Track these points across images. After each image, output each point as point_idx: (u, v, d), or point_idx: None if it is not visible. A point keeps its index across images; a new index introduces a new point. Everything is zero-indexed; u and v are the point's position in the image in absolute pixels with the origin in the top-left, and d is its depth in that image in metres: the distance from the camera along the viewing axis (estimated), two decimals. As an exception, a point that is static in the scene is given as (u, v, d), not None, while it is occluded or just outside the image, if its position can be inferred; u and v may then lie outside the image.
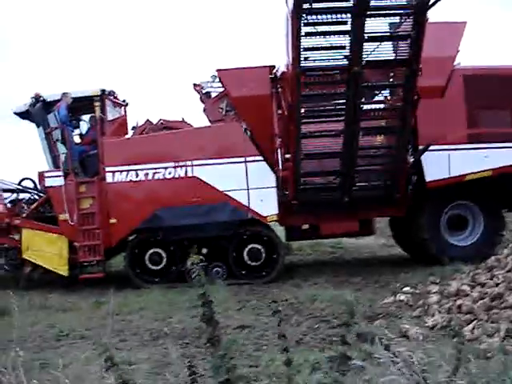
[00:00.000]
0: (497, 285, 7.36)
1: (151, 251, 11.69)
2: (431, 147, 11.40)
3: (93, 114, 12.54)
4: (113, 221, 11.57)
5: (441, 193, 11.77)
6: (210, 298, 3.48)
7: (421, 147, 11.42)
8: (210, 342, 3.18)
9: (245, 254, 11.63)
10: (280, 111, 11.36)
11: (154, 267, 11.70)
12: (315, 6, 9.14)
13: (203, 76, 13.10)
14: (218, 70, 12.01)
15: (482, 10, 49.22)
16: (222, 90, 12.52)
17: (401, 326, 7.28)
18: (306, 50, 9.63)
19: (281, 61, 11.39)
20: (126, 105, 13.20)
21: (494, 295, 7.09)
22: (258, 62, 12.12)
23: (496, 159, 11.61)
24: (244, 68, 11.76)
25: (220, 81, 12.16)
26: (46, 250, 11.81)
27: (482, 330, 6.55)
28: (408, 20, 9.56)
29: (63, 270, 11.67)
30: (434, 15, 9.58)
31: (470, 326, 6.77)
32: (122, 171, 11.62)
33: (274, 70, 11.70)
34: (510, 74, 11.97)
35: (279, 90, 11.43)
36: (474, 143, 11.69)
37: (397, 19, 9.93)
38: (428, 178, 11.57)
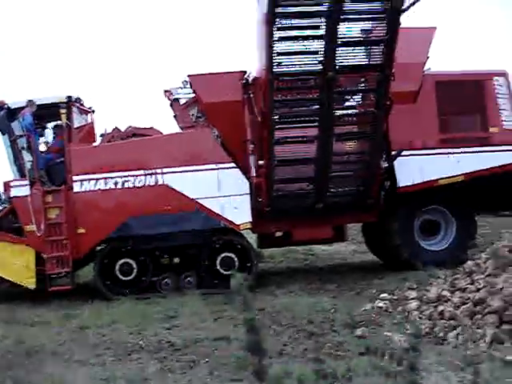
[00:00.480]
0: (478, 290, 7.30)
1: (121, 261, 11.35)
2: (403, 152, 11.41)
3: (57, 122, 12.20)
4: (81, 231, 11.23)
5: (413, 198, 11.75)
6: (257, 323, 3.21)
7: (393, 152, 11.39)
8: (257, 375, 2.91)
9: (217, 262, 11.39)
10: (252, 117, 11.20)
11: (124, 278, 11.36)
12: (288, 10, 9.03)
13: (173, 82, 12.85)
14: (189, 76, 11.80)
15: (481, 10, 49.85)
16: (192, 95, 12.30)
17: (384, 334, 7.19)
18: (279, 54, 9.52)
19: (253, 66, 11.28)
20: (93, 112, 12.87)
21: (476, 300, 7.03)
22: (230, 67, 11.89)
23: (468, 164, 11.65)
24: (215, 73, 11.59)
25: (191, 86, 11.94)
26: (11, 262, 11.38)
27: (467, 336, 6.49)
28: (381, 25, 9.52)
29: (30, 283, 11.24)
30: (407, 20, 9.57)
31: (455, 332, 6.70)
32: (90, 180, 11.30)
33: (246, 76, 11.55)
34: (481, 78, 12.05)
35: (251, 95, 11.27)
36: (445, 148, 11.71)
37: (370, 24, 9.89)
38: (400, 184, 11.54)
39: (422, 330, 7.13)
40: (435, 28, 11.77)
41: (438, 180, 11.61)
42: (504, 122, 11.93)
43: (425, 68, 11.78)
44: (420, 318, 7.60)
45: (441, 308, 7.41)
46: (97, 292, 11.43)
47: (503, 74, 12.02)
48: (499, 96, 11.90)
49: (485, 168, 11.72)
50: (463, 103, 11.82)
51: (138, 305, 10.28)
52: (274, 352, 6.84)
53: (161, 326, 8.67)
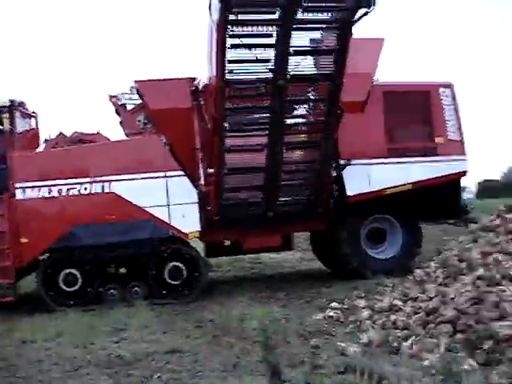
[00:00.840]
0: (430, 299, 7.34)
1: (66, 271, 11.01)
2: (352, 161, 11.50)
3: None
4: (24, 240, 10.82)
5: (361, 206, 11.85)
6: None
7: (342, 162, 11.46)
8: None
9: (165, 272, 11.18)
10: (202, 124, 11.07)
11: (68, 289, 11.02)
12: (241, 17, 8.96)
13: (120, 87, 12.61)
14: (137, 81, 11.58)
15: (467, 6, 50.95)
16: (139, 101, 12.07)
17: (338, 344, 7.15)
18: (230, 62, 9.43)
19: (202, 73, 11.16)
20: (36, 116, 12.48)
21: (428, 310, 7.05)
22: (178, 74, 11.72)
23: (415, 173, 11.85)
24: (163, 80, 11.41)
25: (138, 92, 11.71)
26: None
27: (422, 346, 6.49)
28: (333, 35, 9.55)
29: (-31, 294, 10.80)
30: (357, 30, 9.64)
31: (409, 341, 6.70)
32: (33, 187, 10.92)
33: (195, 82, 11.42)
34: (427, 89, 12.26)
35: (201, 102, 11.14)
36: (393, 157, 11.85)
37: (319, 34, 9.90)
38: (349, 192, 11.61)
39: (376, 340, 7.14)
40: (383, 39, 11.93)
41: (386, 189, 11.73)
42: (449, 133, 12.17)
43: (373, 78, 11.91)
44: (372, 327, 7.59)
45: (393, 317, 7.41)
46: (40, 303, 11.05)
47: (449, 86, 12.28)
48: (445, 107, 12.14)
49: (431, 177, 11.94)
50: (410, 114, 12.01)
51: (84, 317, 9.95)
52: (229, 365, 6.69)
53: (109, 339, 8.37)
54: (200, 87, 11.31)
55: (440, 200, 12.47)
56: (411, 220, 12.39)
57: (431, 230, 15.86)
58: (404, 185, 11.83)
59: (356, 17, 9.25)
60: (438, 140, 12.15)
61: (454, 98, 12.24)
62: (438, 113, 12.16)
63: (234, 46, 9.27)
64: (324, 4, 9.31)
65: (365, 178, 11.66)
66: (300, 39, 9.49)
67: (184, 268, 11.24)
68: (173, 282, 11.20)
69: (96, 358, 7.37)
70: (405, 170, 11.80)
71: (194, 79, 11.49)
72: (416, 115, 12.12)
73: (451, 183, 12.37)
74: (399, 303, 7.81)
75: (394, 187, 11.79)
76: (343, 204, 11.71)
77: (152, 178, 11.13)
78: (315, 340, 7.44)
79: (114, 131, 12.70)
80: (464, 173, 12.39)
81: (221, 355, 7.19)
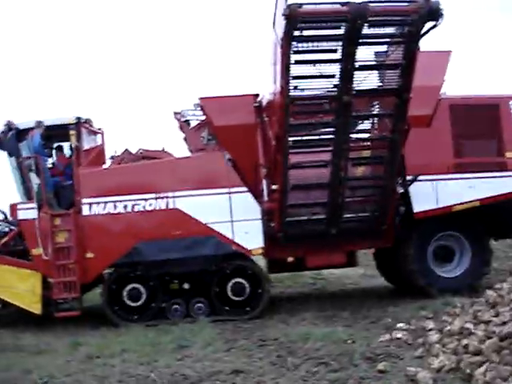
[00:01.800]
0: (503, 323, 7.03)
1: (130, 287, 11.11)
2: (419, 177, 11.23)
3: (59, 144, 12.04)
4: (89, 255, 11.00)
5: (428, 223, 11.55)
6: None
7: (408, 177, 11.20)
8: None
9: (228, 288, 11.15)
10: (266, 141, 11.03)
11: (132, 304, 11.11)
12: (306, 33, 8.86)
13: (184, 104, 12.70)
14: (201, 98, 11.64)
15: (481, 15, 49.89)
16: (202, 118, 12.13)
17: (407, 369, 6.92)
18: (295, 78, 9.33)
19: (265, 89, 11.10)
20: (103, 133, 12.70)
21: (502, 335, 6.74)
22: (242, 90, 11.71)
23: (483, 189, 11.46)
24: (227, 96, 11.42)
25: (202, 109, 11.78)
26: (17, 286, 11.13)
27: (496, 373, 6.20)
28: (399, 49, 9.36)
29: (36, 308, 11.00)
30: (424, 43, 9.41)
31: (482, 368, 6.41)
32: (99, 203, 11.10)
33: (259, 99, 11.39)
34: (494, 102, 11.89)
35: (265, 119, 11.10)
36: (460, 173, 11.52)
37: (385, 48, 9.72)
38: (416, 209, 11.34)
39: (447, 365, 6.88)
40: (451, 51, 11.63)
41: (453, 206, 11.41)
42: (520, 147, 11.75)
43: (440, 92, 11.63)
44: (443, 351, 7.32)
45: (465, 341, 7.12)
46: (104, 318, 11.18)
47: (519, 98, 11.86)
48: (515, 120, 11.73)
49: (501, 193, 11.54)
50: (478, 127, 11.65)
51: (148, 332, 10.00)
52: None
53: (173, 356, 8.37)
54: (264, 103, 11.27)
55: (509, 217, 12.01)
56: (480, 237, 11.99)
57: (496, 245, 15.35)
58: (472, 201, 11.47)
59: (423, 30, 9.04)
60: (507, 155, 11.74)
61: (524, 111, 11.81)
62: (508, 126, 11.74)
63: (298, 62, 9.17)
64: (390, 18, 9.12)
65: (432, 194, 11.36)
66: (366, 54, 9.34)
67: (247, 284, 11.18)
68: (235, 299, 11.16)
69: (160, 377, 7.35)
70: (473, 186, 11.43)
71: (257, 95, 11.48)
72: (485, 129, 11.73)
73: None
74: (471, 326, 7.49)
75: (462, 204, 11.45)
76: (410, 220, 11.43)
77: (216, 194, 11.14)
78: (383, 363, 7.23)
79: (178, 148, 12.77)
80: (535, 189, 11.90)
81: (286, 377, 7.08)
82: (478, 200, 11.49)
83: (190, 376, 7.27)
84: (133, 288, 11.11)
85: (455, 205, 11.44)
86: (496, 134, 11.75)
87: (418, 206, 11.31)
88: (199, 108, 11.98)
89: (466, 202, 11.46)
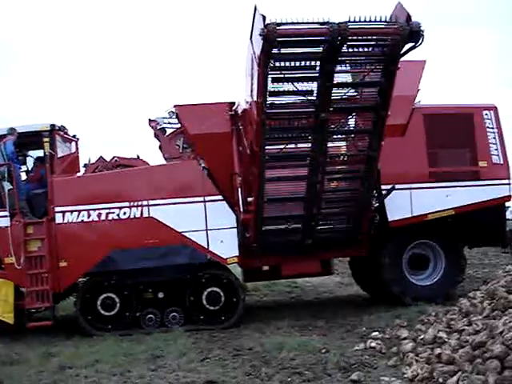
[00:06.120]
0: (476, 332, 7.07)
1: (104, 296, 11.00)
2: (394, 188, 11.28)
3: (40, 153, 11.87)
4: (63, 264, 10.86)
5: (402, 232, 11.60)
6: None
7: (383, 187, 11.23)
8: None
9: (203, 297, 11.09)
10: (241, 149, 11.01)
11: (106, 313, 10.99)
12: (284, 51, 8.70)
13: (159, 111, 12.61)
14: (176, 106, 11.59)
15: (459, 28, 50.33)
16: (178, 126, 12.07)
17: (380, 379, 6.94)
18: (271, 94, 9.22)
19: (240, 96, 11.10)
20: (77, 140, 12.58)
21: (475, 344, 6.77)
22: (217, 97, 11.68)
23: (458, 198, 11.55)
24: (203, 104, 11.40)
25: (177, 117, 11.72)
26: (-11, 295, 10.96)
27: (469, 383, 6.23)
28: (378, 67, 9.32)
29: (9, 318, 10.83)
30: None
31: (454, 378, 6.44)
32: (72, 211, 10.97)
33: (234, 107, 11.37)
34: (468, 112, 11.99)
35: (240, 127, 11.08)
36: (435, 182, 11.60)
37: (364, 67, 9.64)
38: (390, 218, 11.39)
39: (420, 374, 6.90)
40: (425, 61, 11.73)
41: (428, 214, 11.48)
42: (493, 157, 11.87)
43: (415, 101, 11.71)
44: (416, 360, 7.34)
45: (438, 351, 7.15)
46: (78, 327, 11.05)
47: (492, 108, 11.97)
48: (488, 130, 11.84)
49: (474, 202, 11.64)
50: (452, 137, 11.73)
51: (122, 342, 9.92)
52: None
53: (146, 366, 8.31)
54: (239, 112, 11.25)
55: (484, 225, 12.10)
56: (454, 246, 12.07)
57: (471, 253, 15.48)
58: (446, 210, 11.55)
59: (402, 51, 9.02)
60: (481, 164, 11.84)
61: (497, 120, 11.92)
62: (482, 136, 11.84)
63: (275, 80, 9.04)
64: (370, 38, 9.00)
65: (406, 203, 11.42)
66: (344, 72, 9.31)
67: (222, 293, 11.14)
68: (211, 308, 11.10)
69: (133, 388, 7.27)
70: (447, 195, 11.51)
71: (232, 104, 11.45)
72: (459, 138, 11.80)
73: (495, 207, 12.00)
74: (444, 335, 7.54)
75: (436, 212, 11.52)
76: (384, 229, 11.47)
77: (191, 202, 11.07)
78: (357, 373, 7.23)
79: (153, 156, 12.68)
80: (508, 197, 12.02)
81: (259, 388, 7.04)
82: (452, 209, 11.58)
83: (163, 387, 7.19)
84: (107, 297, 11.01)
85: (429, 213, 11.51)
86: (470, 143, 11.84)
87: (393, 215, 11.36)
88: (174, 116, 11.90)
89: (440, 211, 11.54)
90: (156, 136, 12.52)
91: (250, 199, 10.62)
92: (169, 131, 12.47)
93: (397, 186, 11.29)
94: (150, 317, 11.01)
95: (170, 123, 12.36)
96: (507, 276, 8.16)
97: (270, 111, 9.42)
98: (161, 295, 11.13)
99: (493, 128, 11.93)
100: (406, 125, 11.52)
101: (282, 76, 9.02)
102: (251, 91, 9.79)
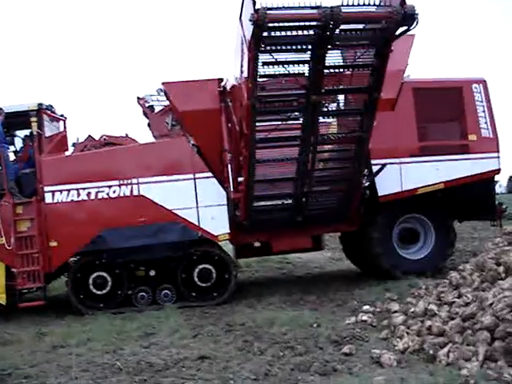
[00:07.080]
0: (466, 304, 7.13)
1: (95, 275, 11.01)
2: (382, 160, 11.28)
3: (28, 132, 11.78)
4: (53, 244, 10.84)
5: (392, 206, 11.63)
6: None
7: (373, 162, 11.22)
8: None
9: (195, 274, 11.12)
10: (230, 125, 10.95)
11: (98, 292, 11.01)
12: (274, 34, 8.50)
13: (147, 89, 12.53)
14: (164, 83, 11.48)
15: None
16: (166, 103, 11.99)
17: (371, 351, 6.99)
18: (262, 77, 9.09)
19: (229, 73, 11.02)
20: (65, 119, 12.47)
21: (465, 316, 6.84)
22: (205, 74, 11.59)
23: (447, 171, 11.58)
24: (191, 81, 11.28)
25: (165, 94, 11.63)
26: (-20, 276, 10.95)
27: (459, 354, 6.30)
28: (370, 50, 9.19)
29: (1, 298, 10.85)
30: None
31: (445, 349, 6.51)
32: (62, 191, 10.93)
33: (223, 83, 11.29)
34: (457, 85, 11.97)
35: (229, 103, 11.01)
36: (424, 156, 11.60)
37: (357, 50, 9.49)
38: (380, 193, 11.41)
39: (411, 346, 6.97)
40: (414, 35, 11.64)
41: (418, 189, 11.51)
42: (482, 130, 11.88)
43: (404, 75, 11.66)
44: (407, 333, 7.40)
45: (428, 323, 7.21)
46: (70, 307, 11.07)
47: (481, 82, 11.96)
48: (477, 103, 11.84)
49: (464, 176, 11.68)
50: (442, 111, 11.72)
51: (114, 321, 9.93)
52: (261, 373, 6.57)
53: (138, 344, 8.31)
54: (228, 88, 11.17)
55: (473, 198, 12.15)
56: (444, 220, 12.13)
57: (461, 226, 15.53)
58: (436, 184, 11.59)
59: (396, 34, 8.88)
60: (470, 137, 11.85)
61: (486, 94, 11.91)
62: (471, 109, 11.84)
63: (266, 63, 8.86)
64: (363, 22, 8.79)
65: (396, 177, 11.44)
66: (336, 55, 9.15)
67: (214, 270, 11.17)
68: (202, 285, 11.14)
69: (126, 365, 7.27)
70: (437, 169, 11.53)
71: (221, 80, 11.36)
72: (448, 112, 11.80)
73: (484, 181, 12.04)
74: (434, 308, 7.59)
75: (426, 186, 11.56)
76: (374, 204, 11.50)
77: (180, 180, 11.04)
78: (348, 346, 7.29)
79: (142, 133, 12.62)
80: (498, 171, 12.06)
81: (252, 362, 7.08)
82: (442, 182, 11.62)
83: (156, 364, 7.19)
84: (98, 276, 11.02)
85: (419, 187, 11.54)
86: (459, 116, 11.84)
87: (383, 190, 11.38)
88: (163, 93, 11.82)
89: (430, 185, 11.58)
90: (145, 114, 12.45)
91: (240, 179, 10.57)
92: (157, 109, 12.42)
93: (387, 161, 11.30)
94: (141, 295, 11.03)
95: (158, 101, 12.30)
96: (496, 248, 8.19)
97: (261, 94, 9.32)
98: (152, 273, 11.14)
99: (482, 101, 11.93)
100: (396, 99, 11.46)
101: (274, 60, 8.84)
102: (241, 71, 9.70)
